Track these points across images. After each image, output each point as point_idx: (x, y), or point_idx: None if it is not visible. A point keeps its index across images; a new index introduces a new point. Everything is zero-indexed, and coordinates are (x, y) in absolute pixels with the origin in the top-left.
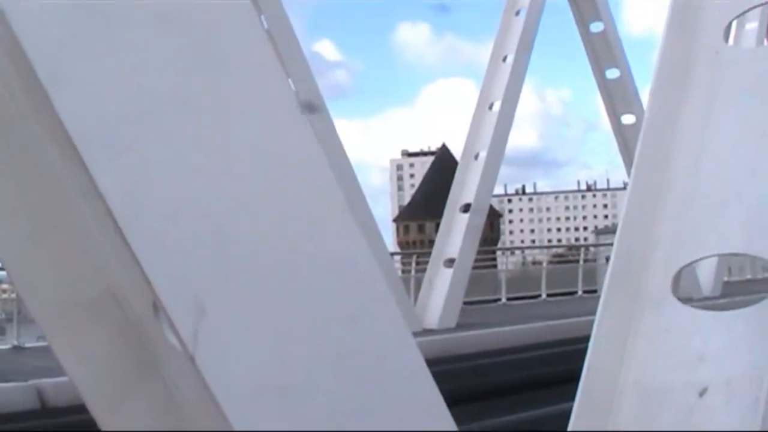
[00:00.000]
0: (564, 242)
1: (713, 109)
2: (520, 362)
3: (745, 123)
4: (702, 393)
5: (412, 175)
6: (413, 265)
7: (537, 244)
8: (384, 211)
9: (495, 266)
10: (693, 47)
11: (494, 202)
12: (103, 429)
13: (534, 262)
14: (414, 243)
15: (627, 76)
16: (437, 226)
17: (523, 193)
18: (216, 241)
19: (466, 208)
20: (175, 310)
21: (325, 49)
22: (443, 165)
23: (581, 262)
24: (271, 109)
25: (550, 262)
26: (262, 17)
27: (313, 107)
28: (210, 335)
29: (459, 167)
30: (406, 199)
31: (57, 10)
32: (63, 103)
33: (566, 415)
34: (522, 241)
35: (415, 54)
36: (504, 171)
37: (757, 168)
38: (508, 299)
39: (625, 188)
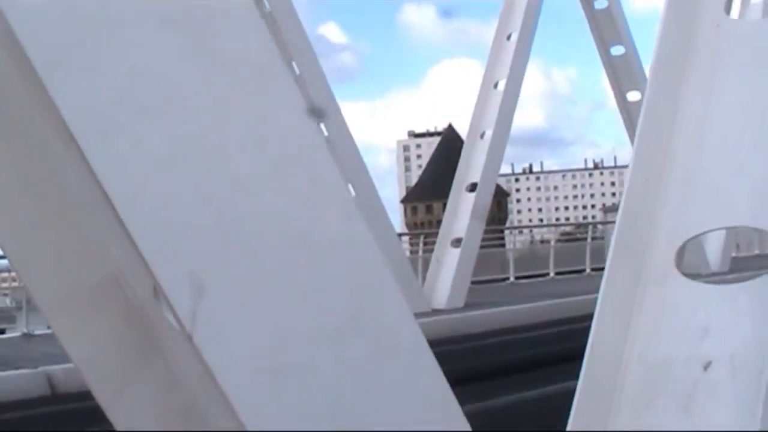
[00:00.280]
0: (572, 220)
1: (715, 82)
2: (528, 341)
3: (747, 95)
4: (706, 367)
5: (419, 156)
6: (421, 245)
7: (545, 222)
8: (391, 192)
9: (503, 245)
10: (694, 21)
11: (501, 182)
12: (107, 413)
13: (542, 241)
14: (422, 224)
15: (632, 52)
16: (445, 206)
17: (531, 172)
18: (214, 223)
19: (473, 187)
20: (173, 291)
21: (330, 31)
22: (450, 145)
23: (589, 240)
24: (270, 90)
25: (558, 241)
26: (266, 3)
27: (321, 113)
28: (208, 315)
29: (465, 146)
30: (414, 180)
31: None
32: (58, 89)
33: (572, 393)
34: (530, 220)
35: (421, 35)
36: (511, 150)
37: (760, 141)
38: (516, 278)
39: None
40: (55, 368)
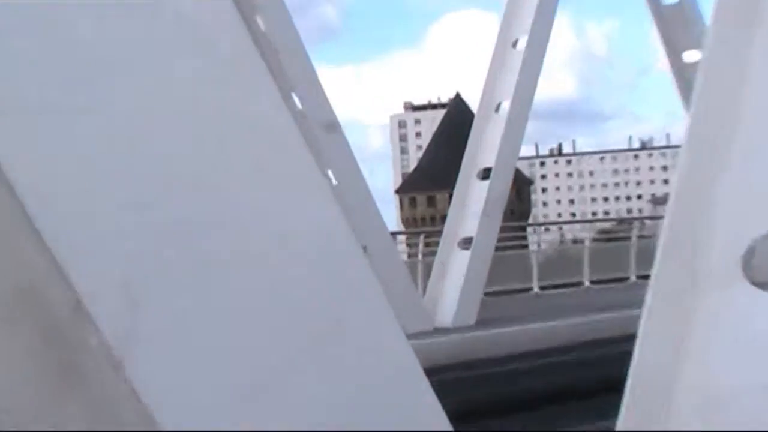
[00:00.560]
0: (612, 215)
1: None
2: (556, 367)
3: None
4: None
5: (418, 134)
6: (420, 246)
7: (578, 217)
8: (384, 180)
9: (525, 246)
10: None
11: (522, 166)
12: None
13: (574, 241)
14: (422, 220)
15: (688, 1)
16: (451, 197)
17: (560, 153)
18: (156, 225)
19: (486, 173)
20: (99, 306)
21: None
22: (457, 120)
23: (634, 239)
24: (219, 50)
25: (594, 240)
26: None
27: (332, 126)
28: (145, 336)
29: (476, 122)
30: (412, 165)
31: None
32: None
33: None
34: (559, 215)
35: None
36: (535, 127)
37: None
38: (542, 288)
39: None
40: None
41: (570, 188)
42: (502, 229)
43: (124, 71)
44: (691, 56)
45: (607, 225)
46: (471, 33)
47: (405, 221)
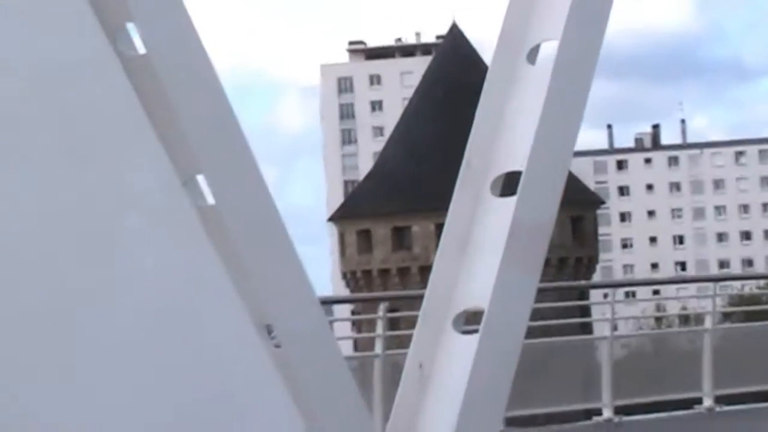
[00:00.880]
0: (760, 268)
1: None
2: None
3: None
4: None
5: (375, 105)
6: (381, 328)
7: (690, 272)
8: (309, 196)
9: (588, 328)
10: None
11: (584, 169)
12: None
13: (685, 317)
14: (383, 273)
15: None
16: (439, 229)
17: (656, 146)
18: None
19: (510, 184)
20: None
21: None
22: (453, 77)
23: None
24: None
25: (725, 317)
26: None
27: (209, 87)
28: None
29: (488, 82)
30: (363, 164)
31: None
32: None
33: None
34: (654, 267)
35: None
36: (609, 92)
37: None
38: (621, 410)
39: None
40: None
41: (676, 214)
42: (544, 294)
43: None
44: None
45: (750, 286)
46: None
47: (349, 276)
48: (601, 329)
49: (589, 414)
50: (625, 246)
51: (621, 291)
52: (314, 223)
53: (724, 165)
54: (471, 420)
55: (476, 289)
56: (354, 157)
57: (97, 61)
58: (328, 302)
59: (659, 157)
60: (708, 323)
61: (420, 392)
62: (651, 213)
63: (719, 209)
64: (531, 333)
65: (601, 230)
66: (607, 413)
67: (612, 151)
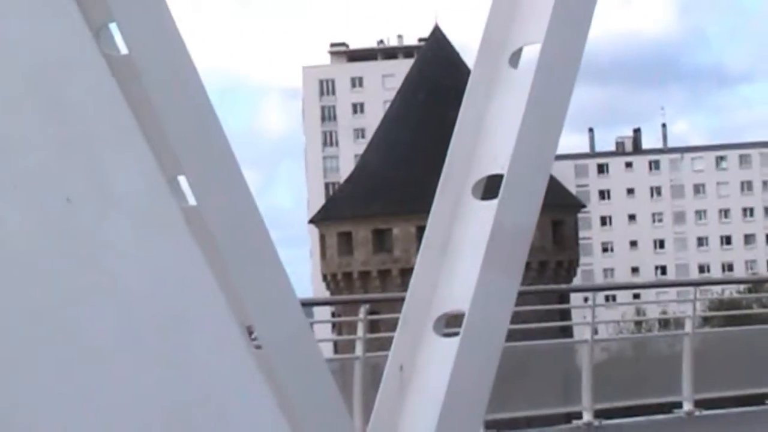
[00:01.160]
0: (740, 272)
1: None
2: None
3: None
4: None
5: (356, 107)
6: (361, 330)
7: (670, 276)
8: (290, 198)
9: (568, 331)
10: None
11: (565, 173)
12: None
13: (665, 321)
14: (363, 276)
15: None
16: (420, 231)
17: (637, 150)
18: None
19: (492, 187)
20: None
21: None
22: (434, 80)
23: None
24: None
25: (705, 321)
26: None
27: (190, 89)
28: None
29: (471, 84)
30: (344, 167)
31: None
32: None
33: None
34: (634, 271)
35: None
36: (592, 95)
37: None
38: (601, 413)
39: None
40: None
41: (657, 218)
42: (525, 298)
43: None
44: None
45: (730, 290)
46: None
47: (329, 279)
48: (581, 333)
49: (569, 417)
50: (605, 250)
51: (601, 295)
52: (295, 225)
53: (705, 170)
54: (451, 422)
55: (457, 292)
56: (335, 160)
57: (84, 60)
58: (308, 304)
59: (640, 162)
60: (688, 327)
61: (400, 395)
62: (632, 217)
63: (700, 214)
64: (511, 336)
65: (581, 234)
66: (587, 417)
67: (593, 154)
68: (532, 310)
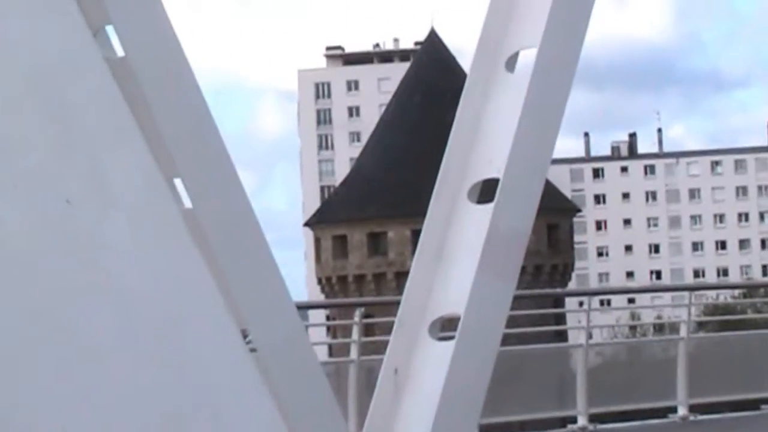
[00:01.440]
0: (735, 277)
1: None
2: None
3: None
4: None
5: (352, 110)
6: (356, 334)
7: (665, 281)
8: (286, 201)
9: (563, 335)
10: None
11: (560, 178)
12: None
13: (660, 326)
14: (358, 279)
15: None
16: (415, 234)
17: (633, 154)
18: None
19: (488, 191)
20: None
21: None
22: (430, 83)
23: None
24: None
25: (700, 325)
26: None
27: (187, 91)
28: None
29: (468, 88)
30: (340, 170)
31: None
32: None
33: None
34: (629, 275)
35: None
36: (587, 100)
37: None
38: (595, 417)
39: None
40: None
41: (652, 223)
42: (520, 302)
43: None
44: None
45: (725, 295)
46: None
47: (324, 282)
48: (576, 337)
49: (563, 422)
50: (600, 254)
51: (596, 299)
52: (290, 227)
53: (700, 174)
54: (446, 426)
55: (452, 295)
56: (331, 163)
57: (84, 61)
58: (303, 307)
59: (635, 166)
60: (683, 332)
61: (395, 398)
62: (627, 222)
63: (695, 218)
64: (506, 340)
65: (576, 238)
66: (581, 421)
67: (589, 159)
68: (527, 314)
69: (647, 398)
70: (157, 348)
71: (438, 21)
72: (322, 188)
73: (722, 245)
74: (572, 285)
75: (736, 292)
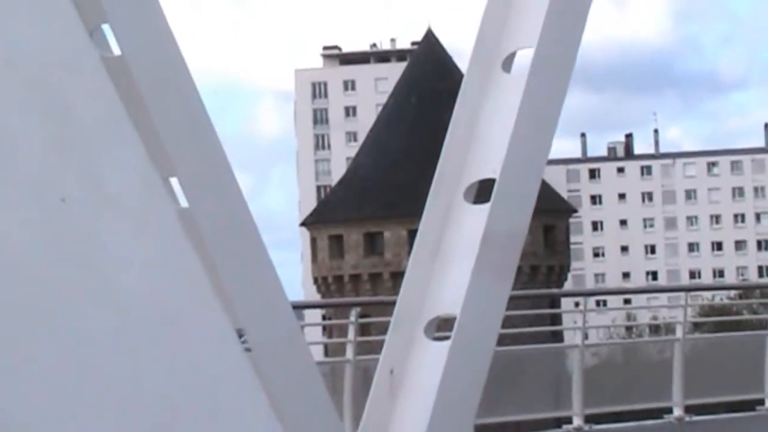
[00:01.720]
0: (731, 278)
1: None
2: None
3: None
4: None
5: (349, 110)
6: (352, 333)
7: (661, 282)
8: (282, 201)
9: (559, 336)
10: None
11: (556, 178)
12: None
13: (655, 327)
14: (354, 279)
15: None
16: (411, 234)
17: (629, 155)
18: None
19: (484, 191)
20: None
21: None
22: (426, 83)
23: None
24: None
25: (695, 327)
26: None
27: (183, 91)
28: None
29: (464, 88)
30: (336, 170)
31: None
32: None
33: None
34: (625, 276)
35: None
36: (583, 101)
37: None
38: (591, 418)
39: None
40: None
41: (648, 223)
42: (516, 302)
43: None
44: None
45: (720, 297)
46: None
47: (320, 282)
48: (572, 338)
49: (559, 422)
50: (596, 255)
51: (592, 300)
52: (286, 227)
53: (697, 175)
54: (441, 426)
55: (448, 295)
56: (327, 163)
57: (80, 60)
58: (299, 307)
59: (632, 167)
60: (679, 333)
61: (391, 398)
62: (623, 222)
63: (691, 219)
64: (502, 340)
65: (573, 239)
66: (577, 422)
67: (585, 159)
68: (523, 314)
69: (643, 399)
70: (151, 347)
71: (435, 21)
72: (318, 188)
73: (718, 246)
74: (568, 285)
75: (732, 293)
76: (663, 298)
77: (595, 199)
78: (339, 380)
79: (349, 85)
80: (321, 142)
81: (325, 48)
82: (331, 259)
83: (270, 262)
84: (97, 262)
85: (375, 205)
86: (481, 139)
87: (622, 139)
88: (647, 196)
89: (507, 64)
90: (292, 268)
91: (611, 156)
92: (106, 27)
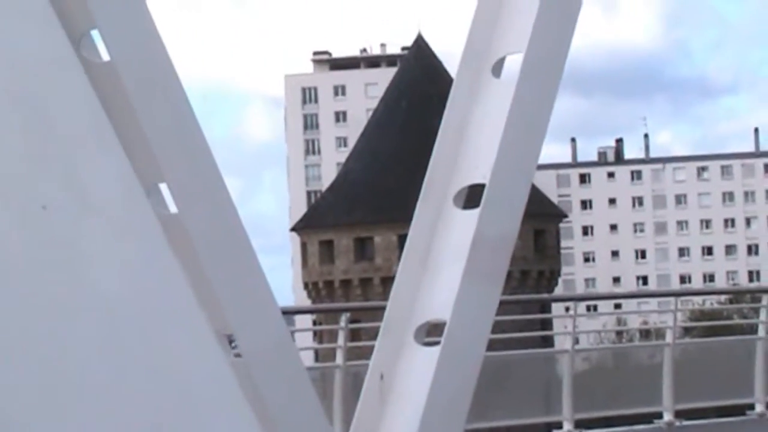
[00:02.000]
0: (720, 283)
1: None
2: None
3: None
4: None
5: (339, 116)
6: (342, 339)
7: (651, 286)
8: (272, 206)
9: (549, 341)
10: None
11: (546, 183)
12: None
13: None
14: (344, 284)
15: None
16: (401, 240)
17: (619, 160)
18: None
19: (474, 196)
20: None
21: None
22: (417, 87)
23: (763, 330)
24: None
25: (685, 332)
26: None
27: (173, 95)
28: None
29: (453, 93)
30: (326, 175)
31: None
32: None
33: None
34: (616, 281)
35: None
36: (573, 106)
37: None
38: (581, 423)
39: None
40: None
41: (638, 228)
42: (506, 307)
43: None
44: None
45: (710, 301)
46: None
47: (310, 287)
48: (562, 342)
49: (549, 427)
50: (587, 260)
51: (582, 304)
52: (276, 232)
53: (687, 180)
54: (431, 425)
55: (438, 301)
56: (317, 168)
57: (62, 67)
58: (289, 312)
59: (622, 172)
60: (669, 338)
61: (381, 403)
62: (613, 227)
63: (681, 224)
64: (492, 345)
65: (563, 243)
66: (567, 427)
67: (575, 164)
68: (513, 319)
69: (633, 404)
70: (132, 353)
71: (425, 26)
72: (308, 193)
73: (708, 251)
74: (558, 290)
75: (722, 297)
76: (653, 302)
77: (586, 204)
78: (329, 385)
79: (339, 90)
80: (311, 147)
81: (315, 53)
82: (322, 264)
83: (260, 268)
84: (77, 268)
85: (365, 210)
86: (470, 144)
87: (613, 143)
88: (637, 201)
89: (497, 69)
90: (283, 273)
91: (601, 161)
92: (95, 33)
